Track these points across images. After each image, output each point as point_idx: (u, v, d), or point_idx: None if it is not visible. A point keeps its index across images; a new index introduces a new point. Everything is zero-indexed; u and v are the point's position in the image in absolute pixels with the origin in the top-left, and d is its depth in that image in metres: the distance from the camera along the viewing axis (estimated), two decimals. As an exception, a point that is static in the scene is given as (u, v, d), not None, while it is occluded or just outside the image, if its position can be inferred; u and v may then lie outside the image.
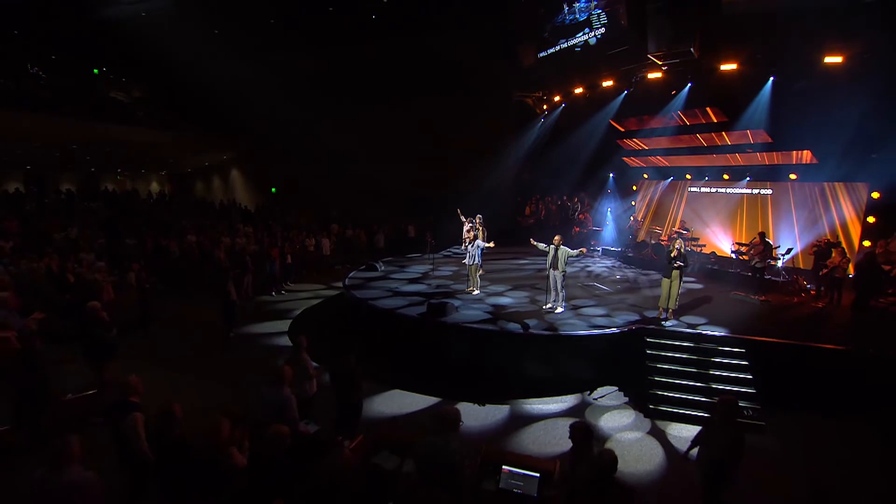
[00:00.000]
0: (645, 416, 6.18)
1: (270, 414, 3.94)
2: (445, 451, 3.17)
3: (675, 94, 10.72)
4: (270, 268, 12.05)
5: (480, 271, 9.36)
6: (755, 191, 12.36)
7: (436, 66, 16.76)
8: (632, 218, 14.87)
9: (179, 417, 3.64)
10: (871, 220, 10.33)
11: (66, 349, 6.93)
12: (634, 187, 16.31)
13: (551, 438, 5.60)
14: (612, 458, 2.97)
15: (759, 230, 10.30)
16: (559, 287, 7.99)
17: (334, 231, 17.20)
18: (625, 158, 15.66)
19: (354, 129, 19.63)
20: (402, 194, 19.28)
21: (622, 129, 14.12)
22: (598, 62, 11.32)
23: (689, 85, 10.40)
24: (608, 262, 13.56)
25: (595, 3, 11.11)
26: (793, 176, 11.52)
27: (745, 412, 6.02)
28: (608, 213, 15.69)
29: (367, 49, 18.47)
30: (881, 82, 7.86)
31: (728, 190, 12.98)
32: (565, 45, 11.52)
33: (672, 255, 7.56)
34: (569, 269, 8.32)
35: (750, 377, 6.42)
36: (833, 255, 9.04)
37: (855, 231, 10.54)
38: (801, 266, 11.00)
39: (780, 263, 10.48)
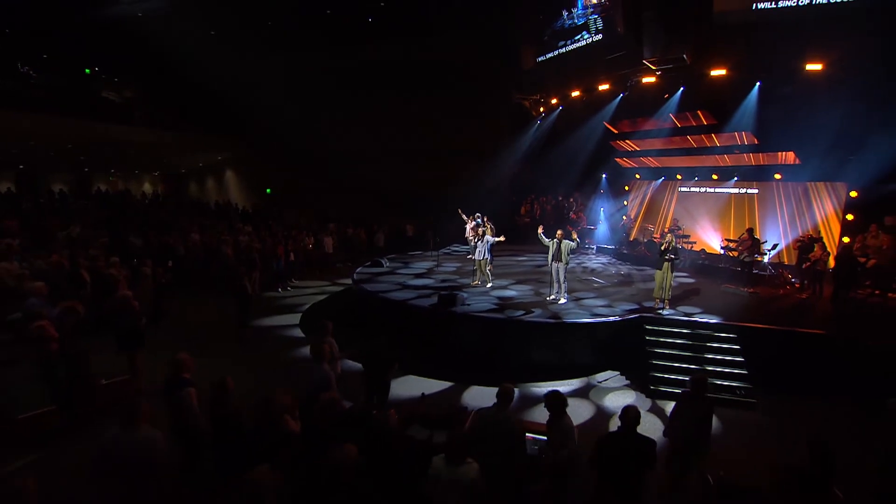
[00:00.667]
0: (647, 397, 6.63)
1: (311, 388, 4.28)
2: (504, 421, 3.58)
3: (668, 98, 11.28)
4: (276, 265, 12.32)
5: (490, 266, 9.74)
6: (743, 190, 12.99)
7: (435, 68, 17.15)
8: (624, 217, 15.44)
9: (232, 389, 3.97)
10: (849, 217, 10.98)
11: (87, 340, 7.16)
12: (627, 187, 16.88)
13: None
14: (636, 413, 3.40)
15: (748, 227, 10.87)
16: (561, 279, 8.44)
17: (332, 230, 17.47)
18: (618, 159, 16.23)
19: (353, 129, 19.85)
20: (400, 194, 19.59)
21: (616, 132, 14.68)
22: (595, 66, 11.85)
23: (682, 89, 10.97)
24: (603, 259, 14.09)
25: (591, 9, 11.66)
26: (778, 176, 12.15)
27: (738, 391, 6.53)
28: (601, 212, 16.24)
29: (366, 50, 18.74)
30: (857, 88, 8.48)
31: (717, 189, 13.60)
32: (563, 49, 12.03)
33: (662, 248, 8.10)
34: (569, 264, 8.78)
35: (741, 360, 6.93)
36: (815, 249, 9.64)
37: (835, 227, 11.19)
38: (787, 261, 11.61)
39: (766, 259, 11.08)
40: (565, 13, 11.89)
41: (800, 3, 8.17)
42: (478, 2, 14.06)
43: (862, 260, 9.24)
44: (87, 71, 22.50)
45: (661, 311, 8.08)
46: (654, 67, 10.62)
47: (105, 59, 21.53)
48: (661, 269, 8.12)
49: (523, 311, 7.94)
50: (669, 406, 6.40)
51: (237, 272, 8.82)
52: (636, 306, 8.43)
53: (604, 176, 17.07)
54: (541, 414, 6.02)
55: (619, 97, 12.39)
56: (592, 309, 8.27)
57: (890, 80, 8.26)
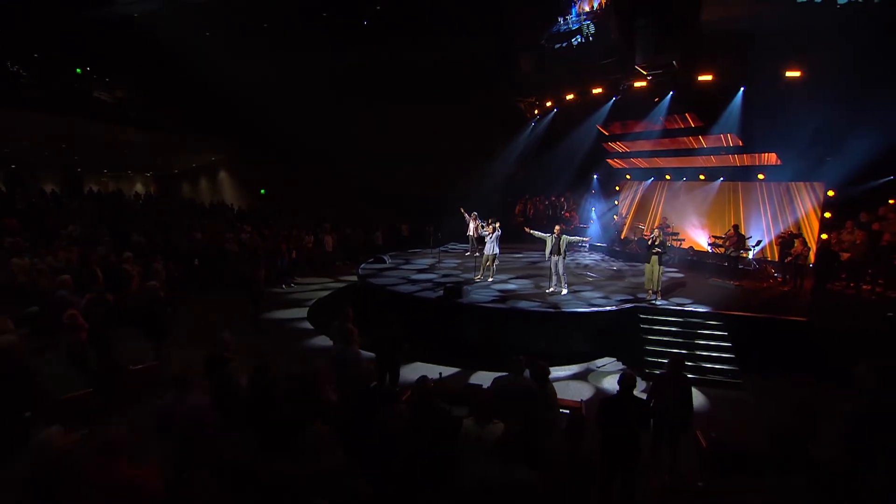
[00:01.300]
0: (641, 379, 7.08)
1: (342, 368, 4.66)
2: (520, 384, 4.04)
3: (659, 102, 11.85)
4: (281, 262, 12.61)
5: (497, 262, 10.14)
6: (728, 190, 13.63)
7: (431, 70, 17.51)
8: (615, 216, 16.02)
9: (271, 368, 4.34)
10: (827, 215, 11.65)
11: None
12: (618, 188, 17.48)
13: (563, 394, 6.44)
14: (632, 378, 3.87)
15: (733, 223, 11.48)
16: (560, 271, 8.91)
17: (327, 230, 17.74)
18: (609, 160, 16.83)
19: (348, 130, 20.12)
20: (396, 195, 19.94)
21: (607, 133, 15.26)
22: (588, 70, 12.40)
23: (671, 93, 11.55)
24: (596, 256, 14.63)
25: (584, 16, 12.25)
26: (761, 176, 12.81)
27: (727, 374, 7.06)
28: (592, 211, 16.81)
29: (362, 51, 19.01)
30: (833, 94, 9.11)
31: (704, 189, 14.23)
32: (559, 54, 12.60)
33: (650, 243, 8.68)
34: (567, 258, 9.25)
35: (728, 345, 7.47)
36: (796, 244, 10.27)
37: (814, 224, 11.86)
38: (769, 257, 12.25)
39: (751, 255, 11.70)
40: (561, 19, 12.43)
41: (779, 16, 8.78)
42: (475, 6, 14.48)
43: (835, 250, 9.87)
44: (79, 71, 22.46)
45: (653, 302, 8.60)
46: (645, 72, 11.18)
47: (97, 59, 21.48)
48: (649, 263, 8.66)
49: (525, 302, 8.39)
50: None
51: (253, 267, 9.13)
52: (630, 297, 8.94)
53: (595, 176, 17.64)
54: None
55: (612, 100, 12.94)
56: (590, 300, 8.75)
57: (863, 87, 8.90)
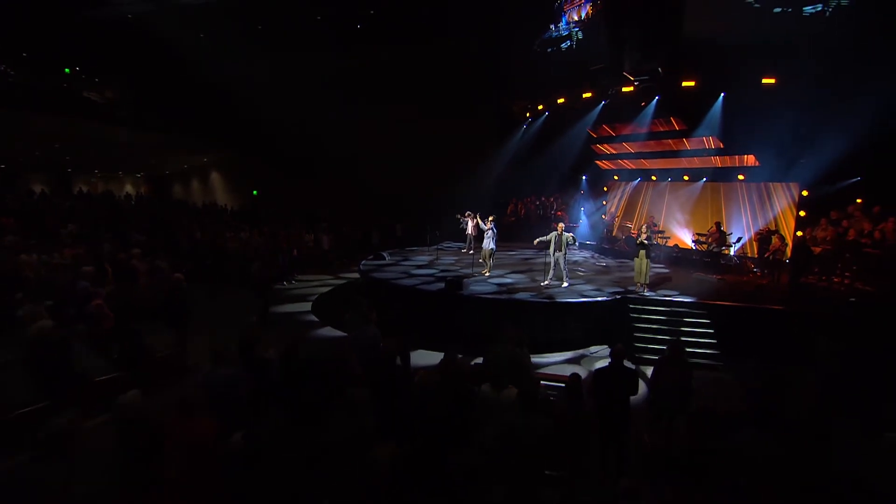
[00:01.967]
0: (631, 363, 7.65)
1: (365, 345, 5.09)
2: (511, 353, 4.51)
3: (645, 106, 12.50)
4: (282, 259, 12.94)
5: (493, 259, 10.64)
6: (711, 190, 14.34)
7: (426, 73, 17.96)
8: (603, 216, 16.67)
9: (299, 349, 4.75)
10: (802, 214, 12.39)
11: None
12: (606, 188, 18.13)
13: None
14: (622, 349, 4.39)
15: (715, 221, 12.17)
16: (562, 265, 9.47)
17: (325, 229, 18.09)
18: (597, 162, 17.47)
19: (342, 131, 20.38)
20: (391, 195, 20.30)
21: (596, 136, 15.90)
22: (578, 76, 13.02)
23: (657, 98, 12.21)
24: (586, 254, 15.22)
25: (574, 24, 12.89)
26: (741, 177, 13.52)
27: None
28: (581, 211, 17.44)
29: (356, 54, 19.33)
30: (804, 101, 9.83)
31: (688, 189, 14.93)
32: (550, 59, 13.22)
33: (638, 240, 9.30)
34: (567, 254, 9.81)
35: (711, 332, 8.07)
36: (774, 241, 10.97)
37: (790, 222, 12.58)
38: (749, 254, 12.96)
39: (732, 251, 12.39)
40: (552, 26, 13.05)
41: (755, 27, 9.47)
42: (470, 11, 15.00)
43: (816, 250, 10.58)
44: (67, 70, 22.39)
45: (642, 293, 9.17)
46: (632, 78, 11.82)
47: (86, 59, 21.45)
48: (637, 257, 9.25)
49: (522, 294, 8.89)
50: (650, 370, 7.46)
51: (260, 262, 9.49)
52: (621, 290, 9.50)
53: (584, 177, 18.28)
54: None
55: (601, 104, 13.57)
56: (583, 292, 9.29)
57: (834, 94, 9.63)
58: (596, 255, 15.10)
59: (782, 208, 12.77)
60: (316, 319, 9.69)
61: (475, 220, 12.22)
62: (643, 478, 4.28)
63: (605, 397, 4.40)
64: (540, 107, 16.08)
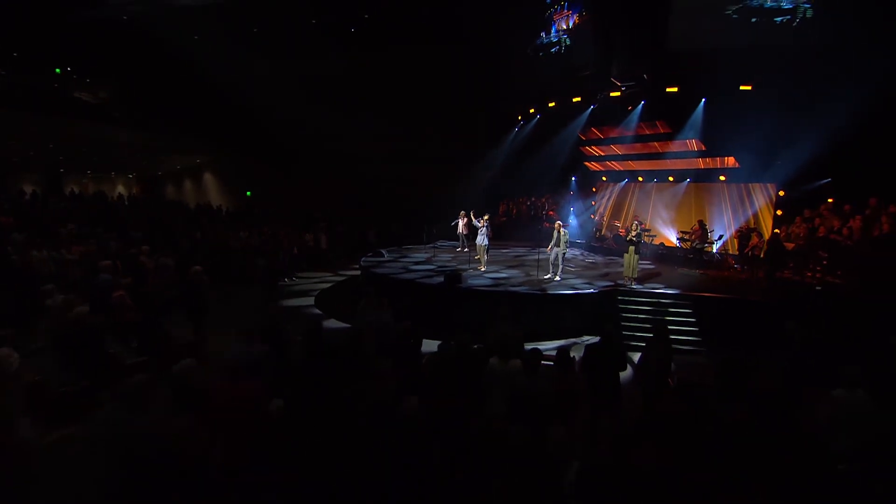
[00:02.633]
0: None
1: (380, 327, 5.55)
2: (508, 332, 5.02)
3: (632, 110, 13.15)
4: (283, 257, 13.30)
5: (487, 254, 11.14)
6: (694, 190, 15.05)
7: (421, 76, 18.44)
8: (592, 215, 17.32)
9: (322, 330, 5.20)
10: (779, 212, 13.13)
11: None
12: (594, 189, 18.80)
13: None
14: (611, 329, 4.90)
15: (698, 219, 12.84)
16: (559, 261, 9.99)
17: (323, 228, 18.45)
18: (586, 163, 18.13)
19: (337, 133, 20.75)
20: (388, 196, 20.74)
21: (585, 139, 16.54)
22: (568, 81, 13.64)
23: (643, 102, 12.86)
24: (576, 252, 15.80)
25: (563, 32, 13.52)
26: (722, 178, 14.24)
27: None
28: (571, 211, 18.06)
29: (351, 57, 19.70)
30: (779, 107, 10.54)
31: (673, 190, 15.63)
32: (541, 64, 13.84)
33: (627, 238, 9.89)
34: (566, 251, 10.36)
35: (693, 321, 8.68)
36: (753, 238, 11.66)
37: (768, 221, 13.32)
38: (730, 250, 13.66)
39: (714, 248, 13.07)
40: (543, 34, 13.67)
41: (734, 37, 10.16)
42: (466, 16, 15.54)
43: (789, 246, 11.29)
44: (58, 70, 22.39)
45: (631, 287, 9.75)
46: (619, 84, 12.46)
47: (78, 60, 21.47)
48: (627, 252, 9.84)
49: (517, 287, 9.41)
50: (636, 356, 8.02)
51: (267, 259, 9.88)
52: (610, 283, 10.08)
53: (574, 178, 18.92)
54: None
55: (590, 109, 14.20)
56: (574, 285, 9.85)
57: (805, 100, 10.35)
58: (585, 252, 15.70)
59: (761, 207, 13.51)
60: (320, 312, 10.11)
61: (466, 219, 12.70)
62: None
63: (596, 371, 4.91)
64: (531, 110, 16.66)
